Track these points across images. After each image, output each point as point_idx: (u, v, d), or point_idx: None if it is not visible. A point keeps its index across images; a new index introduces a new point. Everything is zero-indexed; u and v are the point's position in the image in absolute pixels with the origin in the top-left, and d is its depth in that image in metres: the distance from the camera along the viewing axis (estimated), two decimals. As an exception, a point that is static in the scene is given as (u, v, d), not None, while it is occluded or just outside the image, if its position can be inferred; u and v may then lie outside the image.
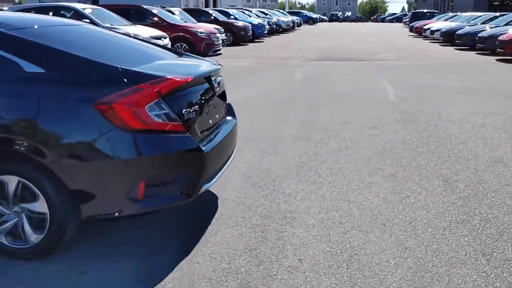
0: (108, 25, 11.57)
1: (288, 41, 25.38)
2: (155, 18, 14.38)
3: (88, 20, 11.47)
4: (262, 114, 7.10)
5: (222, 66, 3.90)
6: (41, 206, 2.84)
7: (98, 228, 3.33)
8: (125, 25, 12.10)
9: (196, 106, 3.13)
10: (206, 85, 3.36)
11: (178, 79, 2.96)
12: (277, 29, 30.51)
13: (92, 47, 3.35)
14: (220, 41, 15.27)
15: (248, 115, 6.95)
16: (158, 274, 2.83)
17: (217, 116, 3.61)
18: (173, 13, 16.31)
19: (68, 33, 3.50)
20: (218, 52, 15.83)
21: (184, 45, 14.09)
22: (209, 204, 3.83)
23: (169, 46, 12.53)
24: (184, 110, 3.01)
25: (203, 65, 3.66)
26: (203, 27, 15.01)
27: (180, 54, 3.97)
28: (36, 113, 2.77)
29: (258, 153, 5.15)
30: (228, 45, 20.71)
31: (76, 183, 2.79)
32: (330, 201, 3.88)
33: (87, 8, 12.07)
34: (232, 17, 23.80)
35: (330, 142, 5.60)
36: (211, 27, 15.82)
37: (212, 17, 21.40)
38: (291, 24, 35.29)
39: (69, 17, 11.75)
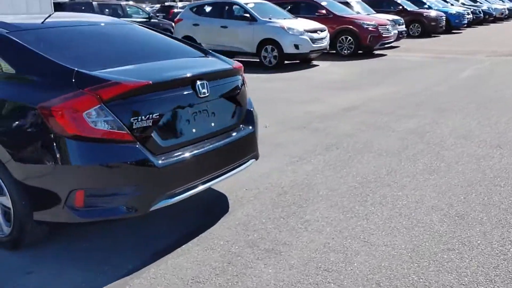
0: (266, 19, 11.72)
1: (491, 32, 22.02)
2: (322, 11, 13.99)
3: (248, 15, 11.85)
4: (372, 118, 6.25)
5: (235, 68, 3.48)
6: (7, 201, 2.95)
7: (74, 230, 3.31)
8: (284, 19, 12.08)
9: (156, 114, 2.83)
10: (187, 90, 3.02)
11: (129, 84, 2.72)
12: (485, 18, 26.77)
13: (85, 49, 3.30)
14: (392, 34, 14.02)
15: (355, 119, 6.23)
16: (86, 289, 2.68)
17: (212, 124, 3.23)
18: (349, 5, 15.65)
19: (80, 35, 3.52)
20: (390, 45, 14.65)
21: (349, 37, 13.39)
22: (211, 217, 3.49)
23: (327, 39, 12.07)
24: (137, 118, 2.74)
25: (201, 66, 3.33)
26: (373, 19, 14.01)
27: (205, 53, 3.67)
28: (0, 112, 2.88)
29: (321, 165, 4.52)
30: (416, 37, 19.16)
31: (25, 184, 2.81)
32: (343, 238, 3.13)
33: (250, 3, 12.40)
34: (425, 6, 21.75)
35: (421, 160, 4.57)
36: (383, 18, 14.65)
37: (401, 7, 19.90)
38: (507, 12, 30.48)
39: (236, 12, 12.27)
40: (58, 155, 2.68)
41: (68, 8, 14.42)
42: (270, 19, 11.85)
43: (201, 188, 3.13)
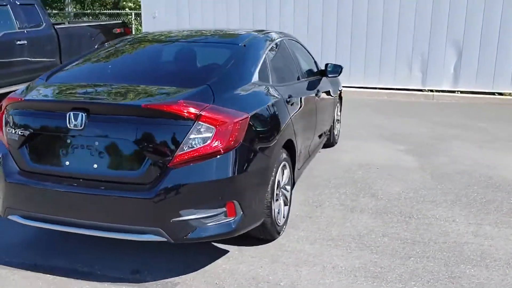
0: None
1: None
2: None
3: None
4: None
5: (146, 107, 2.56)
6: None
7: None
8: None
9: (27, 132, 2.80)
10: (64, 118, 2.65)
11: (10, 97, 2.88)
12: None
13: (104, 63, 3.50)
14: None
15: None
16: None
17: (94, 166, 2.67)
18: None
19: (140, 51, 3.59)
20: None
21: None
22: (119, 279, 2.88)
23: None
24: (13, 130, 2.86)
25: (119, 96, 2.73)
26: None
27: (198, 84, 2.75)
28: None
29: None
30: None
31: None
32: None
33: None
34: None
35: None
36: None
37: None
38: None
39: None
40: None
41: None
42: None
43: (65, 228, 2.77)
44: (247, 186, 2.77)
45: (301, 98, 3.93)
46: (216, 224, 2.67)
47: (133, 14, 15.89)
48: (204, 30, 4.34)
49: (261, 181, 2.93)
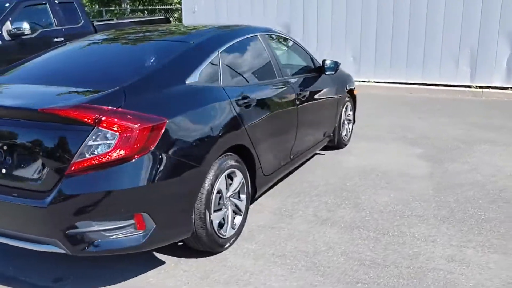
0: None
1: None
2: None
3: None
4: None
5: (44, 111, 2.41)
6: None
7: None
8: None
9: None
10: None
11: None
12: None
13: (52, 63, 3.41)
14: None
15: None
16: None
17: (3, 171, 2.55)
18: None
19: (91, 49, 3.50)
20: None
21: None
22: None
23: None
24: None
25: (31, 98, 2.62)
26: None
27: (114, 86, 2.53)
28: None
29: None
30: None
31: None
32: None
33: None
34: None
35: None
36: None
37: None
38: None
39: None
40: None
41: None
42: None
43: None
44: (161, 196, 2.56)
45: (269, 99, 3.62)
46: (123, 237, 2.49)
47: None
48: (176, 26, 4.17)
49: (184, 190, 2.70)
